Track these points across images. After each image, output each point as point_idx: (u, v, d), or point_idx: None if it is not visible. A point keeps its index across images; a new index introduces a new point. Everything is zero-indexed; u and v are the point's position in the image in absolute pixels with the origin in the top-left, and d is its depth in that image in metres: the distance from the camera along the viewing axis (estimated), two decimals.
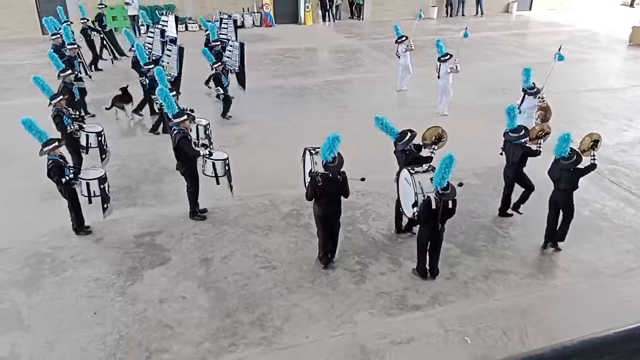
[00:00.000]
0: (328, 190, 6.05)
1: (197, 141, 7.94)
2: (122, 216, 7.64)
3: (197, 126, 8.45)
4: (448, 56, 11.50)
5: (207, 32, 14.03)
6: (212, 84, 12.36)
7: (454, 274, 6.45)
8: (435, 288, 6.19)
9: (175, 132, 7.13)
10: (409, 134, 6.74)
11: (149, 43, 12.81)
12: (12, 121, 7.87)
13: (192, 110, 8.41)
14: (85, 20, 15.27)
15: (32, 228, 7.31)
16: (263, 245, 7.00)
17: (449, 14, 25.75)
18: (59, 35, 12.66)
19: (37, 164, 7.18)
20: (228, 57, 12.31)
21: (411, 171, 6.22)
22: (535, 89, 9.09)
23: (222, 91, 11.25)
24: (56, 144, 6.75)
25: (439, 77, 11.67)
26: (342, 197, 6.25)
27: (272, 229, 7.38)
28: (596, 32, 21.82)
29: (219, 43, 12.89)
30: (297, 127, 11.07)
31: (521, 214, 7.60)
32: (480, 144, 9.57)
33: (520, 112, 8.47)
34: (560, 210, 6.68)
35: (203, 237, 7.18)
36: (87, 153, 8.53)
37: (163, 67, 10.98)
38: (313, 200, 6.24)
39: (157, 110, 10.85)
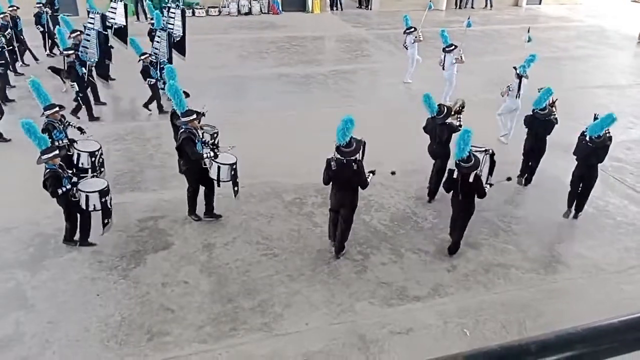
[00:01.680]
0: (341, 176, 5.96)
1: (206, 140, 7.30)
2: (126, 200, 7.67)
3: (203, 133, 7.47)
4: (453, 47, 11.45)
5: (152, 20, 13.09)
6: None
7: (454, 267, 6.47)
8: (436, 280, 6.23)
9: (182, 130, 6.81)
10: (446, 109, 7.38)
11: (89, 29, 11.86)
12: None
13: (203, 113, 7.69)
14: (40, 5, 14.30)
15: (37, 209, 7.34)
16: (265, 233, 7.03)
17: (458, 6, 25.53)
18: None
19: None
20: (156, 48, 11.38)
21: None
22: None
23: (152, 81, 10.75)
24: (56, 152, 6.10)
25: (443, 68, 11.62)
26: (358, 187, 6.10)
27: (274, 217, 7.41)
28: (606, 29, 21.63)
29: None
30: (302, 115, 11.06)
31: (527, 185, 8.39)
32: (485, 137, 9.54)
33: (518, 97, 9.43)
34: (581, 184, 7.31)
35: (206, 223, 7.21)
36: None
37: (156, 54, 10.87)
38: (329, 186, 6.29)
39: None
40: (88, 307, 5.62)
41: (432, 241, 6.96)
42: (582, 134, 7.03)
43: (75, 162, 7.24)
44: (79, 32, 11.24)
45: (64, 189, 6.10)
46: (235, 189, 7.34)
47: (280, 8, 22.78)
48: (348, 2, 24.98)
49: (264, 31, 19.41)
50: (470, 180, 5.99)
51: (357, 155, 6.03)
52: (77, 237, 6.63)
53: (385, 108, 11.28)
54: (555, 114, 7.89)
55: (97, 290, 5.88)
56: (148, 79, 10.69)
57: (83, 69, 10.41)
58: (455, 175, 6.06)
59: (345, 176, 5.96)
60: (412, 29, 12.95)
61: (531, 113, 7.85)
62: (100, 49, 11.25)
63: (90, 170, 7.26)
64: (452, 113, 7.56)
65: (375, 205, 7.76)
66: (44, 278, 6.07)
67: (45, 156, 5.98)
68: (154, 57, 10.95)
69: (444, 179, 6.48)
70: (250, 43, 17.41)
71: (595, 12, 25.40)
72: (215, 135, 7.84)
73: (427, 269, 6.41)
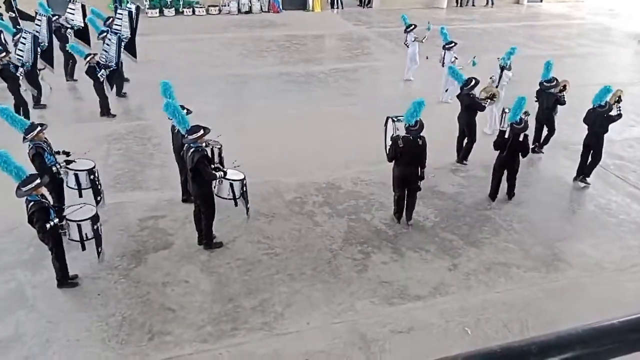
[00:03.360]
0: (408, 152, 6.70)
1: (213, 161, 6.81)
2: (126, 200, 7.67)
3: (212, 148, 7.04)
4: (453, 44, 11.48)
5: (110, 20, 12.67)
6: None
7: (455, 266, 6.45)
8: (437, 279, 6.21)
9: (192, 150, 6.05)
10: (474, 81, 8.57)
11: (37, 31, 11.58)
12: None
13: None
14: None
15: None
16: (266, 232, 7.02)
17: (459, 4, 25.48)
18: None
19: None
20: (105, 51, 11.18)
21: (505, 110, 8.29)
22: (509, 66, 10.31)
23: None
24: (38, 181, 5.38)
25: (443, 65, 11.63)
26: (421, 160, 6.83)
27: (275, 216, 7.39)
28: (608, 26, 21.57)
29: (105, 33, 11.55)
30: (303, 114, 11.04)
31: (543, 152, 9.34)
32: (485, 135, 9.54)
33: (497, 87, 9.96)
34: (591, 151, 8.15)
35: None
36: (80, 196, 6.75)
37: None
38: (393, 162, 6.94)
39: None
40: (89, 307, 5.61)
41: (433, 240, 6.93)
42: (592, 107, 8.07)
43: (74, 184, 6.73)
44: (4, 53, 10.14)
45: (52, 223, 5.45)
46: (248, 206, 6.97)
47: (281, 6, 22.75)
48: (349, 1, 24.95)
49: (264, 30, 19.39)
50: (520, 139, 7.28)
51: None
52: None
53: (385, 106, 11.24)
54: (620, 109, 8.21)
55: (98, 290, 5.87)
56: (95, 81, 10.38)
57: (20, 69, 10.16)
58: (507, 136, 7.29)
59: (412, 152, 6.71)
60: (412, 27, 12.94)
61: (590, 111, 8.11)
62: (35, 51, 10.84)
63: (92, 190, 6.82)
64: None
65: (376, 205, 7.74)
66: (44, 278, 6.06)
67: (27, 187, 5.29)
68: (102, 59, 10.81)
69: (496, 139, 7.49)
70: (251, 41, 17.40)
71: (598, 10, 25.32)
72: (220, 151, 7.26)
73: (428, 268, 6.40)
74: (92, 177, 6.82)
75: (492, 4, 25.58)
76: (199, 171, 6.07)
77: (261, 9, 22.61)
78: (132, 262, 6.35)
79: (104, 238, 6.55)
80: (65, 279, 5.90)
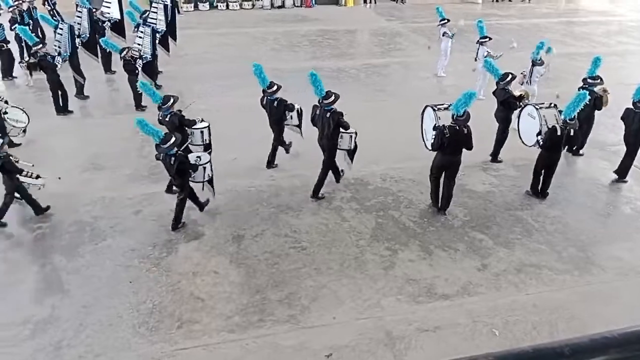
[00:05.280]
0: (454, 141, 6.83)
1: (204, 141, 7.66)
2: (160, 190, 7.83)
3: (200, 131, 7.69)
4: (487, 39, 11.30)
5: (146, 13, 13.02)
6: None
7: (485, 266, 6.36)
8: (465, 278, 6.14)
9: (172, 159, 6.55)
10: (510, 75, 8.47)
11: (78, 23, 12.09)
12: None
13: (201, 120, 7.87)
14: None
15: (74, 197, 7.59)
16: (294, 226, 7.07)
17: None
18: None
19: (81, 137, 7.43)
20: (139, 44, 11.38)
21: (536, 107, 7.80)
22: (541, 61, 10.15)
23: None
24: (174, 140, 6.45)
25: (476, 59, 11.46)
26: (464, 148, 6.97)
27: (303, 211, 7.43)
28: None
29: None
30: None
31: (582, 155, 9.12)
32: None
33: (529, 83, 10.02)
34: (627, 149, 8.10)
35: (236, 215, 7.29)
36: (205, 150, 7.63)
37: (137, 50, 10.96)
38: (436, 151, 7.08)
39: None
40: (121, 294, 5.77)
41: (463, 239, 6.85)
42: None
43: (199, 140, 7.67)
44: (41, 45, 10.51)
45: (198, 167, 6.74)
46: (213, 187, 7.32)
47: (314, 1, 22.74)
48: None
49: (296, 24, 19.43)
50: (571, 134, 7.23)
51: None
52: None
53: (416, 102, 11.15)
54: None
55: (130, 278, 6.03)
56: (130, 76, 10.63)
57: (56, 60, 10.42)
58: (559, 133, 7.13)
59: (457, 140, 6.85)
60: (446, 21, 12.78)
61: (628, 109, 7.97)
62: (73, 41, 11.25)
63: (205, 147, 7.71)
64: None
65: (404, 202, 7.69)
66: (79, 264, 6.26)
67: (167, 145, 6.40)
68: (136, 52, 10.96)
69: (547, 136, 7.26)
70: (283, 36, 17.46)
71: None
72: (207, 128, 7.78)
73: (457, 267, 6.33)
74: (209, 136, 7.79)
75: None
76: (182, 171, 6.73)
77: (294, 3, 22.66)
78: (164, 252, 6.50)
79: (139, 227, 6.74)
80: (179, 222, 6.92)
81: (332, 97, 7.36)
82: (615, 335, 0.90)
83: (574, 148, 8.85)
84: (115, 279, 6.02)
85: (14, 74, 12.55)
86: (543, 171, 7.66)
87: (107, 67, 13.05)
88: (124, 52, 10.48)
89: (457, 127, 6.82)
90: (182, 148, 6.88)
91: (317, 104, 7.52)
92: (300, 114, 8.66)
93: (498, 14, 21.88)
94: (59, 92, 10.49)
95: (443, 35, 12.82)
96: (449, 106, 7.10)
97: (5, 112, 8.63)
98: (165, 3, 12.83)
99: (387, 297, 5.82)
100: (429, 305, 5.72)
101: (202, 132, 7.68)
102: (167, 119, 7.37)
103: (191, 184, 6.96)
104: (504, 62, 11.38)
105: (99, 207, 7.42)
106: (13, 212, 7.25)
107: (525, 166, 8.39)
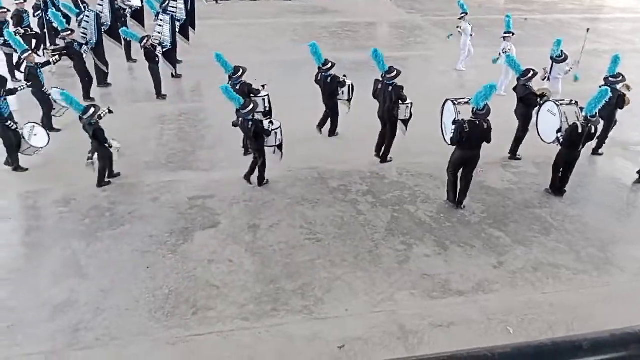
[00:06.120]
0: (474, 135, 6.76)
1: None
2: (177, 178, 7.91)
3: (263, 99, 8.39)
4: (511, 35, 11.16)
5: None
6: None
7: (501, 263, 6.31)
8: (481, 275, 6.09)
9: (249, 124, 7.26)
10: (532, 72, 8.34)
11: (99, 12, 12.04)
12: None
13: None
14: None
15: (94, 182, 7.68)
16: (309, 218, 7.08)
17: None
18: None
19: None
20: (159, 32, 11.60)
21: (557, 103, 7.71)
22: (563, 56, 10.01)
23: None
24: (252, 106, 7.21)
25: (500, 54, 11.31)
26: (484, 142, 6.93)
27: (319, 202, 7.44)
28: None
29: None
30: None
31: (602, 154, 8.93)
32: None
33: (548, 79, 9.98)
34: None
35: (252, 205, 7.33)
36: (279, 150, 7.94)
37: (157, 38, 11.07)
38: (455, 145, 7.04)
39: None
40: (138, 279, 5.86)
41: (479, 236, 6.80)
42: None
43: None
44: (69, 32, 10.70)
45: (271, 130, 7.43)
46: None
47: None
48: None
49: (316, 16, 19.35)
50: (593, 131, 7.16)
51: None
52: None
53: (435, 96, 11.06)
54: None
55: (147, 263, 6.11)
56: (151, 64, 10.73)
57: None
58: (580, 130, 7.03)
59: (477, 135, 6.79)
60: (464, 14, 12.66)
61: None
62: (99, 29, 11.39)
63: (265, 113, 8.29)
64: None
65: (421, 197, 7.65)
66: (97, 249, 6.36)
67: (246, 111, 7.11)
68: (155, 40, 11.03)
69: (568, 134, 7.15)
70: (303, 28, 17.41)
71: None
72: (267, 97, 8.49)
73: (472, 264, 6.28)
74: (269, 103, 8.44)
75: None
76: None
77: None
78: (181, 239, 6.57)
79: (156, 214, 6.82)
80: (263, 180, 7.69)
81: (395, 72, 7.96)
82: (637, 331, 0.89)
83: (595, 147, 8.71)
84: (133, 264, 6.10)
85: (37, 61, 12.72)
86: (562, 169, 7.55)
87: (128, 56, 13.18)
88: (144, 41, 10.57)
89: (477, 122, 6.76)
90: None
91: (379, 79, 8.16)
92: (351, 90, 9.23)
93: (522, 8, 21.49)
94: (86, 79, 10.65)
95: (457, 28, 12.73)
96: (470, 100, 7.02)
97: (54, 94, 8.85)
98: None
99: (401, 291, 5.81)
100: (443, 300, 5.70)
101: (264, 99, 8.35)
102: (237, 88, 7.93)
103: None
104: (526, 58, 11.22)
105: (117, 193, 7.52)
106: (38, 197, 7.40)
107: (545, 164, 8.26)
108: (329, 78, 8.91)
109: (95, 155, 7.55)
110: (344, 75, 9.17)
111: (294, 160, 8.45)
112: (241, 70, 8.37)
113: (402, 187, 7.88)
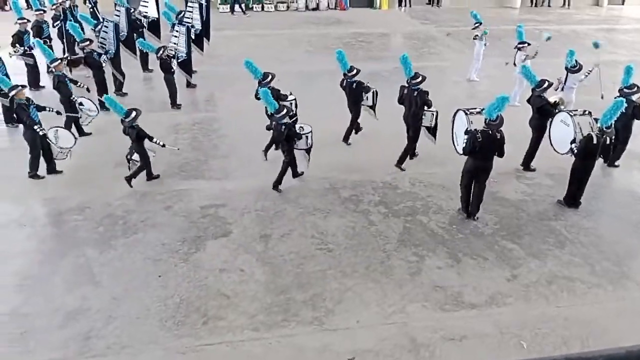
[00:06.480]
0: (486, 146, 6.74)
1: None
2: (190, 187, 7.96)
3: (290, 102, 8.65)
4: (525, 44, 11.10)
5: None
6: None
7: (515, 276, 6.22)
8: (494, 288, 6.01)
9: (282, 127, 7.51)
10: (547, 82, 8.32)
11: (115, 22, 12.19)
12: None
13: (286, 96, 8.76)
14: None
15: (109, 191, 7.78)
16: (321, 227, 7.07)
17: (533, 4, 24.49)
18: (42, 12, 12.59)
19: (118, 132, 7.63)
20: (175, 43, 11.71)
21: (570, 114, 7.61)
22: (578, 66, 10.02)
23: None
24: (285, 111, 7.47)
25: (515, 64, 11.26)
26: (496, 154, 6.90)
27: (330, 212, 7.43)
28: None
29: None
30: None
31: (617, 166, 8.82)
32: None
33: (562, 89, 9.87)
34: None
35: (264, 214, 7.35)
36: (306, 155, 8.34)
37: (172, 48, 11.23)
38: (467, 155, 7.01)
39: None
40: (150, 287, 5.88)
41: (493, 248, 6.72)
42: None
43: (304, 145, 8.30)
44: (88, 42, 10.84)
45: (301, 135, 7.82)
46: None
47: (348, 4, 22.74)
48: None
49: (330, 27, 19.47)
50: (608, 143, 7.10)
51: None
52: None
53: (448, 106, 11.06)
54: None
55: (159, 272, 6.14)
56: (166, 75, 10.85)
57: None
58: (595, 141, 7.00)
59: (489, 146, 6.76)
60: (478, 25, 12.65)
61: None
62: (117, 40, 11.58)
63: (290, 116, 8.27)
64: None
65: (433, 207, 7.60)
66: (110, 257, 6.41)
67: (279, 115, 7.43)
68: (171, 51, 11.12)
69: (582, 145, 7.10)
70: (317, 38, 17.52)
71: None
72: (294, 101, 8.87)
73: (486, 276, 6.21)
74: (296, 107, 8.70)
75: (569, 5, 24.38)
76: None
77: (328, 6, 22.71)
78: (192, 247, 6.59)
79: (169, 222, 6.87)
80: (279, 184, 7.91)
81: (420, 78, 8.21)
82: None
83: (611, 159, 8.57)
84: (145, 272, 6.14)
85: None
86: (577, 180, 7.44)
87: (144, 66, 13.36)
88: (160, 52, 10.71)
89: (490, 132, 6.74)
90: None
91: (405, 85, 8.39)
92: (375, 96, 9.47)
93: (536, 19, 21.42)
94: (103, 89, 10.82)
95: (474, 39, 12.71)
96: (482, 110, 6.99)
97: (81, 104, 9.15)
98: (201, 2, 13.05)
99: (413, 303, 5.76)
100: (456, 313, 5.63)
101: (290, 103, 8.59)
102: None
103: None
104: (541, 69, 11.15)
105: (131, 201, 7.59)
106: (54, 204, 7.50)
107: (560, 175, 8.16)
108: (354, 84, 9.18)
109: (136, 155, 7.83)
110: (368, 82, 9.42)
111: (308, 170, 8.45)
112: (270, 76, 8.67)
113: (415, 198, 7.84)
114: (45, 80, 11.81)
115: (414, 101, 8.25)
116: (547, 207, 7.67)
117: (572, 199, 7.58)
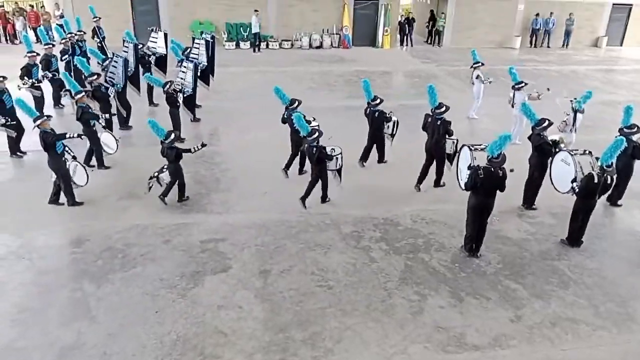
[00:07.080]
0: (488, 183, 6.79)
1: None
2: (191, 221, 7.94)
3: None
4: (523, 84, 11.25)
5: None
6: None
7: (519, 317, 6.11)
8: (497, 329, 5.90)
9: (314, 149, 7.95)
10: (547, 121, 8.30)
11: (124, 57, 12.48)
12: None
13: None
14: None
15: (109, 224, 7.76)
16: (321, 264, 7.00)
17: (533, 45, 24.97)
18: (51, 46, 13.00)
19: (121, 165, 7.66)
20: (182, 78, 12.02)
21: (571, 153, 7.72)
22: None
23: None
24: (316, 135, 7.91)
25: (512, 106, 11.38)
26: (498, 190, 6.92)
27: (331, 248, 7.37)
28: None
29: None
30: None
31: (620, 205, 8.81)
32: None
33: (574, 131, 10.00)
34: None
35: (264, 249, 7.29)
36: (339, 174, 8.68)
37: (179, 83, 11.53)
38: (470, 192, 7.04)
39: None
40: (146, 323, 5.78)
41: (496, 287, 6.63)
42: None
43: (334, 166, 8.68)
44: (96, 76, 10.94)
45: (332, 157, 8.24)
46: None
47: (351, 43, 23.22)
48: (418, 38, 25.09)
49: (333, 64, 19.82)
50: (608, 182, 7.11)
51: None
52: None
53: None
54: None
55: (157, 307, 6.05)
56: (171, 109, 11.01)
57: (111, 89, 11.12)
58: (596, 180, 7.02)
59: (491, 182, 6.80)
60: (479, 64, 12.86)
61: None
62: (126, 74, 11.85)
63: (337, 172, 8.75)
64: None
65: (435, 245, 7.54)
66: (108, 291, 6.33)
67: (311, 138, 7.88)
68: (178, 86, 11.33)
69: (584, 184, 7.13)
70: (320, 76, 17.82)
71: None
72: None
73: (489, 317, 6.10)
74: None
75: (568, 45, 24.87)
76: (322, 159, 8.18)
77: (331, 44, 23.17)
78: (191, 282, 6.51)
79: (168, 256, 6.81)
80: (326, 197, 8.51)
81: (444, 108, 8.64)
82: None
83: (613, 198, 8.59)
84: (142, 307, 6.04)
85: (62, 103, 13.15)
86: (579, 219, 7.41)
87: (150, 100, 13.56)
88: (167, 86, 10.88)
89: (492, 169, 6.77)
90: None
91: (429, 113, 8.90)
92: (395, 126, 10.09)
93: (536, 59, 21.81)
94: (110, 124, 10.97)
95: (476, 79, 12.89)
96: (486, 147, 7.04)
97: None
98: (207, 39, 13.36)
99: (415, 344, 5.64)
100: (459, 355, 5.51)
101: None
102: (292, 118, 8.50)
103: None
104: (549, 109, 11.28)
105: (131, 235, 7.55)
106: (53, 236, 7.46)
107: (563, 214, 8.12)
108: (377, 113, 9.68)
109: (165, 174, 8.21)
110: (390, 112, 9.96)
111: (307, 207, 8.44)
112: (297, 102, 9.19)
113: (416, 235, 7.79)
114: (51, 111, 11.97)
115: (437, 129, 8.69)
116: (550, 246, 7.61)
117: (574, 238, 7.53)
